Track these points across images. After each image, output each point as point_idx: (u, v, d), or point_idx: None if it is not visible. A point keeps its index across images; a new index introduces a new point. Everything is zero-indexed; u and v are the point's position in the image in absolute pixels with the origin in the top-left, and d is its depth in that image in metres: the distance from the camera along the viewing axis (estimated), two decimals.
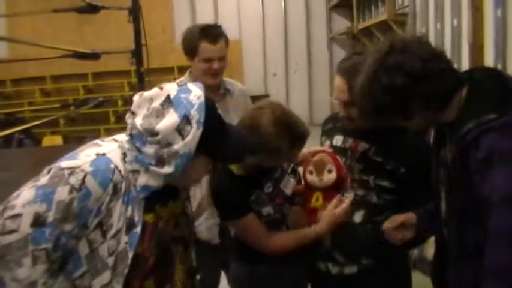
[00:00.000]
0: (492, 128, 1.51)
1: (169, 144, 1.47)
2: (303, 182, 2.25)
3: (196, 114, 1.48)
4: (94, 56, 5.02)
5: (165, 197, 1.63)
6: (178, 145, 1.47)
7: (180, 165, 1.49)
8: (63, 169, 1.43)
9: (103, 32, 10.53)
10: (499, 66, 4.46)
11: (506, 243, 1.46)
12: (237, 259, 2.29)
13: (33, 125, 6.21)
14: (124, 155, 1.52)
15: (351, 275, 2.10)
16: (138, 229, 1.51)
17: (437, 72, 1.59)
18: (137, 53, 4.92)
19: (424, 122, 1.72)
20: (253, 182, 2.11)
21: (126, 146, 1.53)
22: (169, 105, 1.48)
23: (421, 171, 1.91)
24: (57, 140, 9.79)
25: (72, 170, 1.43)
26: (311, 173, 2.15)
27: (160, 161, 1.48)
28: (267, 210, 2.10)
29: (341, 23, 10.99)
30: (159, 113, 1.48)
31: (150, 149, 1.47)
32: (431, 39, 6.17)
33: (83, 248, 1.45)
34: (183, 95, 1.51)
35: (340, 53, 10.87)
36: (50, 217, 1.39)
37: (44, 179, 1.44)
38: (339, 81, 2.05)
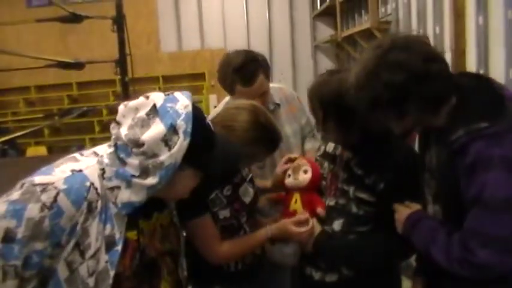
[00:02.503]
0: (482, 136, 1.52)
1: (155, 155, 1.43)
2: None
3: (183, 124, 1.46)
4: (78, 65, 4.99)
5: (148, 210, 1.58)
6: (164, 156, 1.44)
7: (165, 176, 1.46)
8: (35, 185, 1.40)
9: (87, 41, 10.47)
10: (481, 72, 4.50)
11: (479, 243, 1.50)
12: (190, 281, 2.25)
13: (17, 135, 6.16)
14: (102, 171, 1.48)
15: (332, 283, 2.10)
16: (119, 247, 1.47)
17: (437, 74, 1.60)
18: (121, 63, 4.91)
19: (414, 124, 1.72)
20: (214, 182, 2.07)
21: (106, 161, 1.49)
22: (155, 115, 1.45)
23: (400, 189, 1.91)
24: (42, 151, 9.74)
25: (44, 187, 1.39)
26: (289, 176, 2.18)
27: (145, 172, 1.45)
28: (224, 213, 2.08)
29: (325, 31, 11.02)
30: (145, 123, 1.45)
31: (134, 160, 1.44)
32: None
33: (63, 272, 1.41)
34: (169, 105, 1.47)
35: (324, 61, 10.91)
36: (19, 234, 1.36)
37: (16, 193, 1.39)
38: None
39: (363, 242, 2.03)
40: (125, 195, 1.47)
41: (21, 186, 1.42)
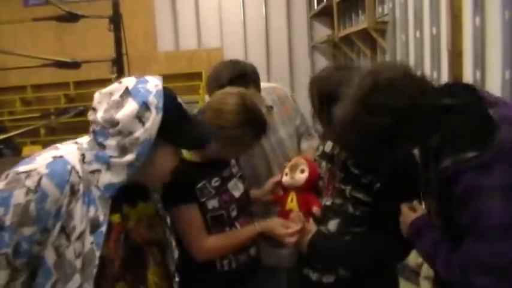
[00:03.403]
0: (469, 167, 1.50)
1: (130, 132, 1.50)
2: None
3: (155, 100, 1.53)
4: (74, 64, 5.00)
5: (133, 197, 1.64)
6: (139, 132, 1.50)
7: (142, 152, 1.52)
8: (19, 173, 1.45)
9: (84, 40, 10.46)
10: (478, 73, 4.50)
11: (476, 271, 1.51)
12: (185, 284, 2.25)
13: (13, 134, 6.15)
14: (83, 156, 1.54)
15: (329, 284, 2.09)
16: (104, 228, 1.52)
17: (424, 110, 1.57)
18: (118, 62, 4.90)
19: (410, 150, 1.71)
20: (202, 172, 2.10)
21: (85, 146, 1.57)
22: (127, 96, 1.53)
23: (397, 189, 1.90)
24: (38, 150, 9.68)
25: (28, 174, 1.44)
26: (286, 174, 2.19)
27: (123, 151, 1.51)
28: (213, 203, 2.09)
29: (322, 31, 11.04)
30: (119, 104, 1.52)
31: (112, 141, 1.51)
32: (411, 46, 6.23)
33: (51, 257, 1.45)
34: (140, 85, 1.56)
35: (321, 61, 10.91)
36: (8, 221, 1.41)
37: (1, 184, 1.45)
38: None
39: (357, 243, 2.02)
40: (106, 178, 1.52)
41: (6, 177, 1.47)
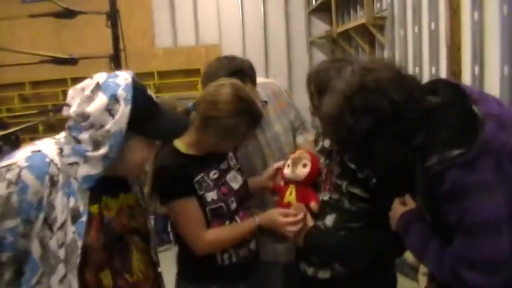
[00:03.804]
0: (455, 165, 1.50)
1: (101, 125, 1.56)
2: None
3: (123, 93, 1.58)
4: (72, 61, 5.00)
5: (113, 189, 1.72)
6: (110, 124, 1.56)
7: (114, 145, 1.58)
8: (0, 168, 1.52)
9: (82, 37, 10.43)
10: (477, 69, 4.50)
11: (467, 268, 1.52)
12: (185, 277, 2.26)
13: (11, 131, 6.15)
14: (60, 149, 1.60)
15: (324, 280, 2.09)
16: (84, 218, 1.57)
17: (407, 115, 1.56)
18: (115, 58, 4.90)
19: (391, 151, 1.70)
20: (200, 165, 2.12)
21: (62, 141, 1.63)
22: (98, 90, 1.59)
23: (393, 184, 1.90)
24: None
25: (8, 167, 1.51)
26: (288, 166, 2.19)
27: (96, 145, 1.57)
28: (211, 195, 2.11)
29: (320, 27, 11.02)
30: (90, 99, 1.58)
31: (85, 135, 1.57)
32: (409, 42, 6.22)
33: (36, 250, 1.50)
34: (111, 80, 1.62)
35: (319, 57, 10.88)
36: None
37: None
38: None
39: (352, 238, 2.02)
40: (84, 170, 1.58)
41: None
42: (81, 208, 1.57)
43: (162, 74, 11.11)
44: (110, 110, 1.56)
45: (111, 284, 1.64)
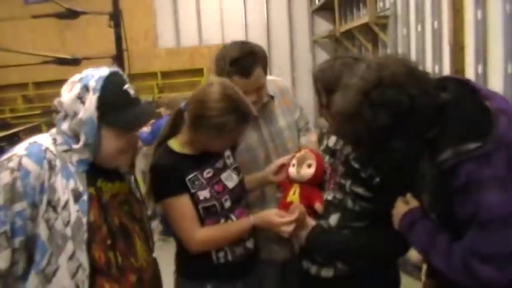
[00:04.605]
0: (471, 158, 1.50)
1: (75, 113, 1.68)
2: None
3: (94, 83, 1.69)
4: (75, 61, 5.00)
5: (108, 175, 1.82)
6: (81, 112, 1.67)
7: (89, 132, 1.68)
8: (1, 161, 1.64)
9: (85, 37, 10.45)
10: (480, 67, 4.50)
11: (479, 261, 1.52)
12: (182, 275, 2.28)
13: (15, 131, 6.16)
14: (54, 140, 1.71)
15: (327, 278, 2.08)
16: (85, 197, 1.68)
17: (423, 110, 1.57)
18: (118, 58, 4.90)
19: (405, 146, 1.70)
20: (194, 163, 2.15)
21: (54, 132, 1.74)
22: (78, 82, 1.72)
23: (396, 183, 1.90)
24: None
25: (9, 158, 1.63)
26: (293, 165, 2.19)
27: (76, 136, 1.69)
28: (204, 193, 2.13)
29: (323, 26, 11.02)
30: (70, 90, 1.72)
31: (65, 126, 1.70)
32: (412, 41, 6.21)
33: (44, 232, 1.60)
34: (90, 73, 1.74)
35: (322, 56, 10.87)
36: (1, 200, 1.57)
37: None
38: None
39: (355, 237, 2.02)
40: (76, 156, 1.70)
41: None
42: (81, 188, 1.68)
43: (165, 74, 11.12)
44: (81, 98, 1.68)
45: (119, 263, 1.74)
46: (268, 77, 2.76)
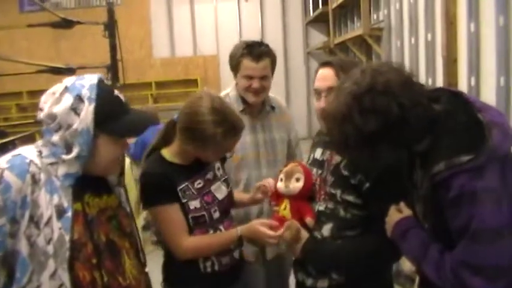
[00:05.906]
0: (463, 171, 1.51)
1: (69, 125, 1.61)
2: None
3: (88, 92, 1.64)
4: (69, 71, 5.00)
5: (96, 189, 1.76)
6: (76, 123, 1.61)
7: (83, 143, 1.63)
8: None
9: (80, 47, 10.47)
10: (473, 79, 4.52)
11: (470, 273, 1.52)
12: (170, 284, 2.29)
13: (8, 140, 6.13)
14: (40, 152, 1.65)
15: None
16: (69, 214, 1.61)
17: (414, 120, 1.57)
18: (113, 68, 4.91)
19: (393, 154, 1.71)
20: (185, 174, 2.18)
21: (41, 144, 1.68)
22: (65, 92, 1.64)
23: (386, 190, 1.90)
24: None
25: None
26: (281, 180, 2.19)
27: (68, 146, 1.63)
28: (194, 203, 2.16)
29: (318, 38, 11.08)
30: (58, 101, 1.64)
31: (56, 137, 1.63)
32: (406, 53, 6.25)
33: (25, 248, 1.53)
34: (77, 82, 1.67)
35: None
36: None
37: None
38: (326, 70, 2.16)
39: (348, 246, 2.02)
40: (63, 169, 1.63)
41: None
42: (65, 204, 1.62)
43: (160, 84, 11.13)
44: (75, 109, 1.62)
45: (105, 282, 1.67)
46: (277, 98, 2.98)
